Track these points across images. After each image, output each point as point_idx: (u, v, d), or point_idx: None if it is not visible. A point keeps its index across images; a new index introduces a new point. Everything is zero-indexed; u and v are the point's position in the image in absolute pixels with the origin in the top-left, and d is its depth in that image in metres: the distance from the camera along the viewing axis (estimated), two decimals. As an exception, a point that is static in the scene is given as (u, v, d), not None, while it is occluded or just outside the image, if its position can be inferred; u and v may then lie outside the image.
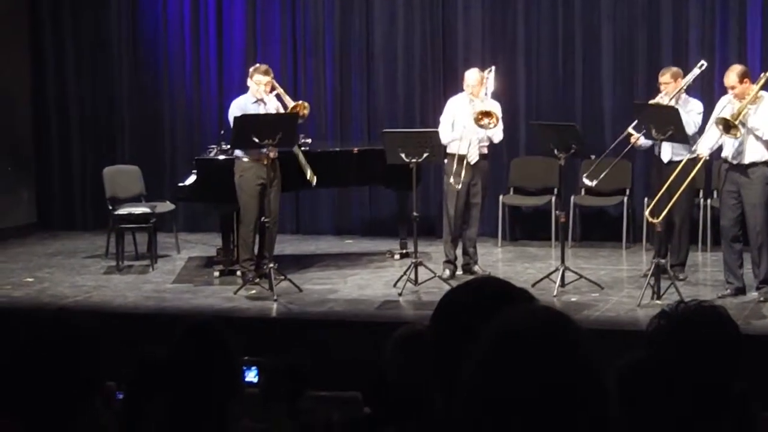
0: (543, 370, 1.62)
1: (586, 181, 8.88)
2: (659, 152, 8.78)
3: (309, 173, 9.07)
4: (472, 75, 9.32)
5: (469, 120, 9.10)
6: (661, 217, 8.41)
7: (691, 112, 8.72)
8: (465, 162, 9.16)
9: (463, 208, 9.37)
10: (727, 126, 8.02)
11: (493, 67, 9.54)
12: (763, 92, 8.23)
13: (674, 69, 9.00)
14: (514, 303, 2.08)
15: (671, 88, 8.73)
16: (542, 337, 1.66)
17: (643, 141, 8.71)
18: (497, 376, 1.64)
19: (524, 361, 1.63)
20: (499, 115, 9.14)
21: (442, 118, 9.39)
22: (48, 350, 2.26)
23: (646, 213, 8.84)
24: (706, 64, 8.90)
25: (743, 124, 8.09)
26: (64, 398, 2.24)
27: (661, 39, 10.87)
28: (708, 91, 9.59)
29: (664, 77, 8.85)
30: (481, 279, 2.23)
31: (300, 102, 9.71)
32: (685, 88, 8.79)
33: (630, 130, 8.69)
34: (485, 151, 9.39)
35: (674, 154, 8.72)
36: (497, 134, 9.30)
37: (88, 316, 2.39)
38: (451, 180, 9.18)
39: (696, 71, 8.82)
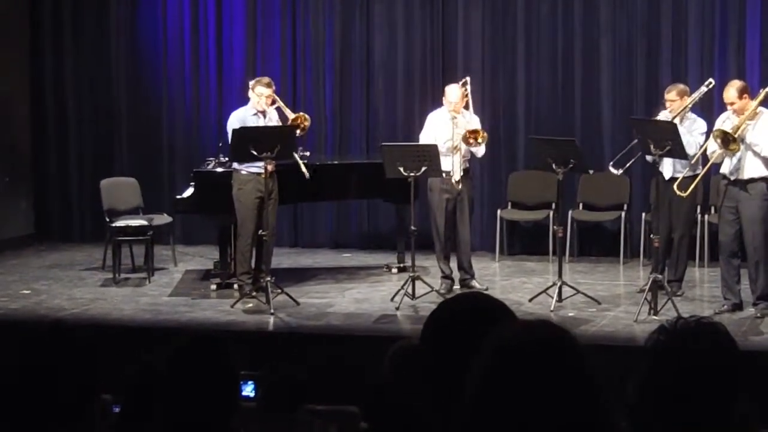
0: (544, 384, 1.62)
1: (612, 170, 8.84)
2: (661, 168, 8.76)
3: (303, 168, 8.92)
4: (453, 92, 9.23)
5: (450, 135, 9.07)
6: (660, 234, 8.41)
7: (694, 131, 8.68)
8: (450, 178, 9.16)
9: (452, 224, 9.34)
10: (726, 140, 8.01)
11: (468, 78, 9.52)
12: (761, 108, 8.22)
13: (681, 86, 8.95)
14: (502, 320, 2.08)
15: (677, 106, 8.70)
16: (542, 351, 1.66)
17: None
18: (499, 391, 1.63)
19: (525, 375, 1.62)
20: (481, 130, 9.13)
21: (422, 135, 9.33)
22: (44, 362, 2.25)
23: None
24: (714, 83, 8.84)
25: (742, 140, 8.09)
26: (60, 410, 2.23)
27: (660, 54, 10.88)
28: (708, 107, 9.58)
29: (670, 94, 8.81)
30: (471, 295, 2.23)
31: (300, 114, 9.67)
32: (690, 106, 8.77)
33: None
34: (467, 165, 9.38)
35: (675, 170, 8.70)
36: (480, 149, 9.27)
37: (85, 328, 2.38)
38: (444, 174, 9.11)
39: (703, 89, 8.76)
